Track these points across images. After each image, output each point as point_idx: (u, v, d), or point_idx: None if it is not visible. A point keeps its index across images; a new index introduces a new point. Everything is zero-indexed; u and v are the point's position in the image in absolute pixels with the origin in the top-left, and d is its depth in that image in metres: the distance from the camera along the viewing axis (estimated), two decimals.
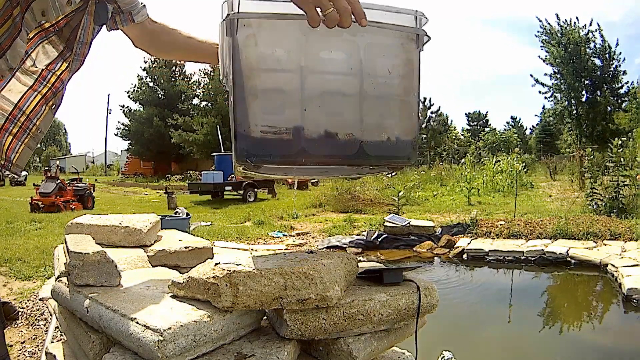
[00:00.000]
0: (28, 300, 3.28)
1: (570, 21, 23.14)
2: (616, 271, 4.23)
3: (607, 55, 23.08)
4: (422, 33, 1.07)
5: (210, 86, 29.34)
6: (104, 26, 1.20)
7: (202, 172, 15.46)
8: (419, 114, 1.16)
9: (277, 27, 0.98)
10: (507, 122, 52.94)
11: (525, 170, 13.86)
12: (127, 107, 33.51)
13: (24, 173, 24.78)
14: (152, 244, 1.88)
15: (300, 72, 1.01)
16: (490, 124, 50.37)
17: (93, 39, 1.14)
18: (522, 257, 5.15)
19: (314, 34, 0.94)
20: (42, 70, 1.07)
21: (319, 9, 0.83)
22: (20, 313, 2.99)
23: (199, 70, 32.14)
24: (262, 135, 1.00)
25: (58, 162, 31.88)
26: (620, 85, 23.64)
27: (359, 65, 1.04)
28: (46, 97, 1.10)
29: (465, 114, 53.40)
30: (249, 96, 0.99)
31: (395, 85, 1.08)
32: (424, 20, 1.07)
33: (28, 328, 2.77)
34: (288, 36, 0.99)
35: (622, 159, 7.62)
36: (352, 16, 0.85)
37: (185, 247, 1.85)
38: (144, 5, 1.30)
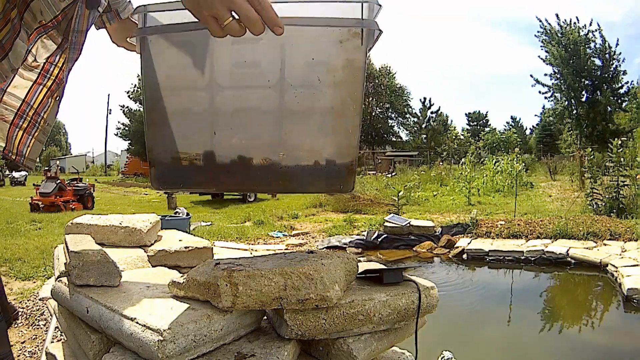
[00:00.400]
0: (28, 300, 3.28)
1: (570, 21, 23.16)
2: (616, 271, 4.22)
3: (607, 55, 23.08)
4: (370, 26, 0.82)
5: None
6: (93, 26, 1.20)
7: None
8: (360, 130, 0.93)
9: (185, 40, 0.86)
10: (507, 122, 52.94)
11: (525, 170, 13.86)
12: (127, 107, 33.51)
13: (23, 173, 24.79)
14: (152, 244, 1.88)
15: (211, 90, 0.88)
16: (490, 124, 50.37)
17: (89, 28, 1.13)
18: (522, 257, 5.15)
19: (225, 43, 0.78)
20: (44, 63, 1.08)
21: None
22: (20, 313, 2.99)
23: None
24: (173, 162, 0.91)
25: (58, 162, 31.87)
26: (620, 85, 23.64)
27: (279, 75, 0.86)
28: (51, 90, 1.11)
29: (465, 114, 53.41)
30: (158, 120, 0.90)
31: (329, 96, 0.88)
32: (376, 8, 0.81)
33: (28, 328, 2.77)
34: (196, 49, 0.87)
35: (622, 159, 7.62)
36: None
37: (185, 247, 1.85)
38: (130, 1, 1.29)
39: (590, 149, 9.17)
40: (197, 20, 0.72)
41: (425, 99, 41.34)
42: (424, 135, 39.82)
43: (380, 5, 0.82)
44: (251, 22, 0.69)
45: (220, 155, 0.90)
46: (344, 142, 0.91)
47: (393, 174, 17.36)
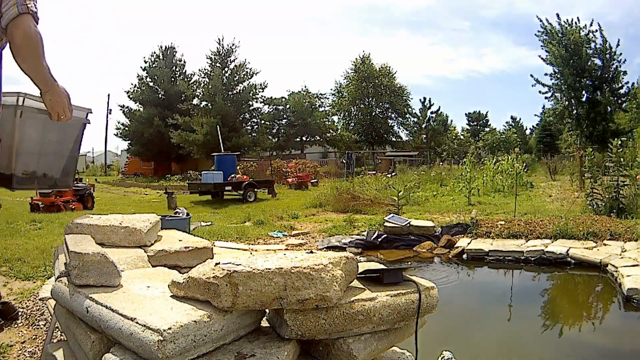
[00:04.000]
0: (28, 300, 3.28)
1: (571, 21, 23.17)
2: (616, 271, 4.22)
3: (607, 56, 23.09)
4: (86, 122, 2.33)
5: (210, 86, 29.35)
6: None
7: (202, 172, 15.48)
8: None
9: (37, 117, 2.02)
10: (507, 122, 52.87)
11: (525, 170, 13.86)
12: (127, 107, 33.47)
13: None
14: (152, 244, 1.88)
15: (41, 145, 2.16)
16: (490, 124, 50.34)
17: None
18: (522, 257, 5.14)
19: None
20: None
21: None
22: (20, 313, 2.98)
23: (199, 70, 32.12)
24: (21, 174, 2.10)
25: None
26: (620, 85, 23.66)
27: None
28: None
29: (465, 114, 53.39)
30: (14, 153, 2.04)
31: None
32: (91, 114, 2.31)
33: (28, 328, 2.77)
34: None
35: (622, 159, 7.61)
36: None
37: (185, 247, 1.85)
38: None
39: (590, 149, 9.17)
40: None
41: (425, 99, 41.38)
42: (424, 135, 39.79)
43: (92, 112, 2.32)
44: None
45: (34, 171, 2.20)
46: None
47: (393, 174, 17.37)
